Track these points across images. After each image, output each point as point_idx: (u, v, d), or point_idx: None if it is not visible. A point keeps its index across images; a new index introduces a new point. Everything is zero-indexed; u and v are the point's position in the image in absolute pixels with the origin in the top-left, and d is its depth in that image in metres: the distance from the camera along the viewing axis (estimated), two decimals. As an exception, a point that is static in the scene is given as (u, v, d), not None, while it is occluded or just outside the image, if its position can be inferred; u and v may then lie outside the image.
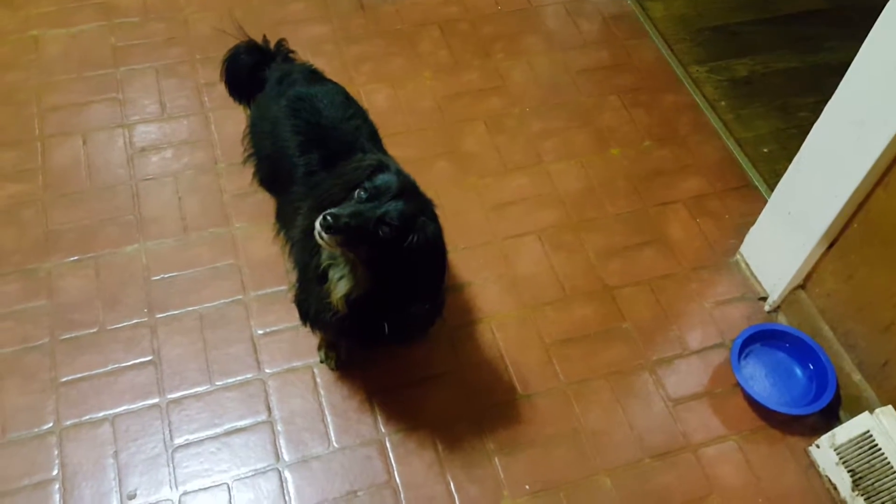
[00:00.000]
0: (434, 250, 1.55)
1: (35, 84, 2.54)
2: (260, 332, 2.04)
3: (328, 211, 1.41)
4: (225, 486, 1.79)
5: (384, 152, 1.91)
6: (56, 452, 1.82)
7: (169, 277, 2.13)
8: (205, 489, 1.79)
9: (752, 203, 2.34)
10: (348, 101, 1.91)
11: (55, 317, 2.03)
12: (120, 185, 2.31)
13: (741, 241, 2.22)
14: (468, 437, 1.88)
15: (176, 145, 2.41)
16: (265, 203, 2.18)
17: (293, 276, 1.77)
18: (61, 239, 2.18)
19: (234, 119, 2.41)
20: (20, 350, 1.97)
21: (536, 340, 2.05)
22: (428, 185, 2.33)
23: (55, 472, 1.79)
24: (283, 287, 2.09)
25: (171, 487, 1.78)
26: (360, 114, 1.90)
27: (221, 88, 2.55)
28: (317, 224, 1.41)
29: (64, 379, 1.93)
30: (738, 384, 1.94)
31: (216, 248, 2.19)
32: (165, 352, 1.99)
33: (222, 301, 2.09)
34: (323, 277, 1.59)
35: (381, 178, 1.50)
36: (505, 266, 2.20)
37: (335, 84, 1.99)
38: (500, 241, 2.25)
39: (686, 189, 2.40)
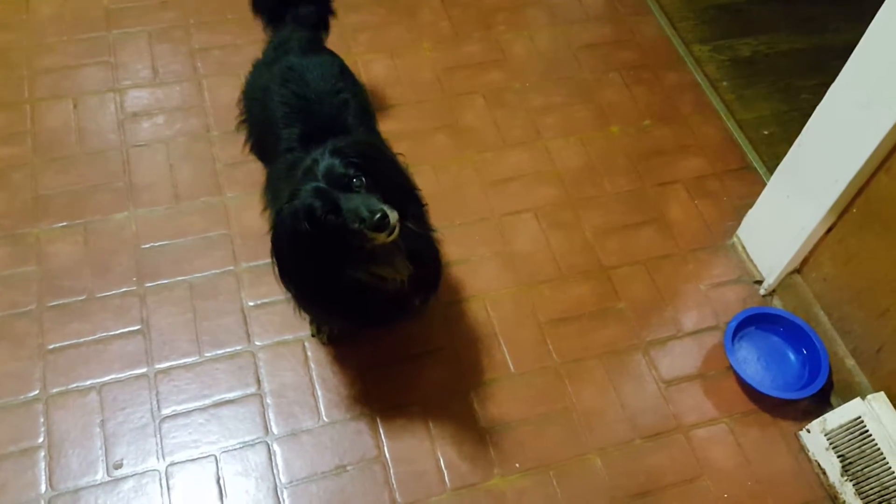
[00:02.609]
0: (382, 150, 1.63)
1: (26, 45, 2.48)
2: (251, 303, 2.01)
3: (367, 223, 1.37)
4: (213, 458, 1.78)
5: (373, 130, 1.87)
6: (42, 420, 1.80)
7: (159, 246, 2.10)
8: (192, 460, 1.78)
9: (751, 185, 2.32)
10: (341, 75, 1.86)
11: (44, 283, 2.00)
12: (111, 150, 2.27)
13: (739, 224, 2.20)
14: (460, 413, 1.87)
15: (168, 111, 2.37)
16: (258, 172, 2.14)
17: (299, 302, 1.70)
18: (51, 204, 2.15)
19: (228, 86, 2.37)
20: (8, 316, 1.94)
21: (531, 319, 2.03)
22: (426, 159, 2.33)
23: (41, 440, 1.77)
24: (276, 258, 2.07)
25: (158, 458, 1.77)
26: (350, 88, 1.84)
27: (216, 54, 2.52)
28: (380, 235, 1.39)
29: (51, 346, 1.91)
30: (731, 367, 1.93)
31: (208, 217, 2.16)
32: (155, 321, 1.97)
33: (213, 271, 2.06)
34: (375, 276, 1.55)
35: (321, 169, 1.44)
36: (501, 243, 2.17)
37: (332, 55, 1.94)
38: (498, 218, 2.22)
39: (686, 169, 2.37)
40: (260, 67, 1.94)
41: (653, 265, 2.15)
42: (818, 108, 1.82)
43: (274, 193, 1.74)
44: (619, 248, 2.18)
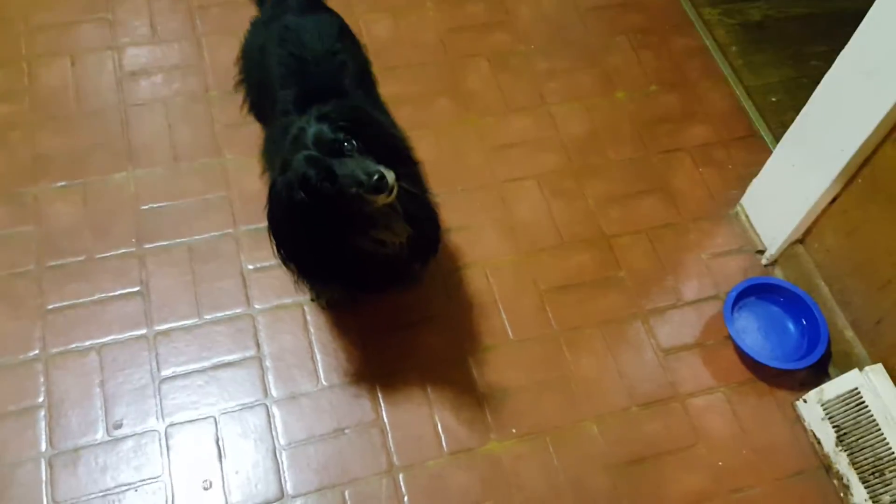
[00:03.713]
0: (370, 115, 1.57)
1: (22, 2, 2.43)
2: (250, 266, 2.01)
3: (366, 185, 1.35)
4: (212, 420, 1.79)
5: (371, 92, 1.83)
6: (42, 379, 1.81)
7: (158, 207, 2.08)
8: (191, 421, 1.79)
9: (757, 153, 2.29)
10: (340, 35, 1.81)
11: (42, 243, 2.00)
12: (109, 109, 2.24)
13: (743, 192, 2.17)
14: (458, 379, 1.87)
15: (167, 70, 2.33)
16: (257, 134, 2.11)
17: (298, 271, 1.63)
18: (49, 163, 2.13)
19: (228, 45, 2.32)
20: (7, 276, 1.94)
21: (531, 287, 2.03)
22: (427, 123, 2.30)
23: (41, 399, 1.78)
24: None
25: (157, 418, 1.78)
26: (349, 49, 1.80)
27: (215, 12, 2.47)
28: (379, 197, 1.37)
29: (51, 306, 1.91)
30: (729, 336, 1.93)
31: (207, 179, 2.14)
32: (154, 283, 1.96)
33: (213, 234, 2.05)
34: (377, 241, 1.54)
35: (310, 136, 1.41)
36: (503, 210, 2.16)
37: (332, 14, 1.89)
38: (499, 184, 2.20)
39: (691, 137, 2.34)
40: (258, 26, 1.90)
41: (655, 234, 2.14)
42: (826, 76, 1.78)
43: (271, 157, 1.73)
44: (622, 217, 2.16)
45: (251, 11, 2.00)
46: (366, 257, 1.57)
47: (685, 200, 2.21)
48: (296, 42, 1.74)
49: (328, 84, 1.69)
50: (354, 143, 1.41)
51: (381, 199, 1.39)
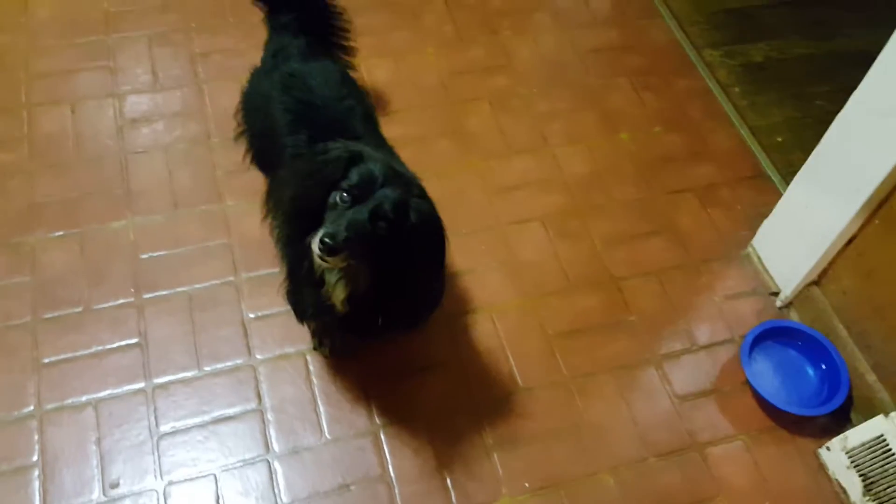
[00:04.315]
0: (433, 227, 1.47)
1: (23, 49, 2.43)
2: (251, 315, 1.95)
3: (323, 234, 1.33)
4: (212, 477, 1.72)
5: (378, 135, 1.81)
6: (36, 437, 1.74)
7: (157, 255, 2.04)
8: (191, 479, 1.72)
9: (764, 194, 2.27)
10: (344, 80, 1.81)
11: (38, 294, 1.95)
12: (108, 157, 2.22)
13: (753, 233, 2.14)
14: (466, 430, 1.81)
15: (168, 117, 2.31)
16: (258, 180, 2.09)
17: (283, 270, 1.67)
18: (46, 211, 2.09)
19: (229, 91, 2.30)
20: (1, 328, 1.88)
21: (538, 331, 1.98)
22: (429, 166, 2.26)
23: (35, 458, 1.71)
24: (276, 269, 2.00)
25: (155, 477, 1.71)
26: (355, 94, 1.80)
27: (217, 59, 2.47)
28: (315, 248, 1.35)
29: (46, 360, 1.85)
30: (746, 382, 1.87)
31: (207, 225, 2.10)
32: (152, 334, 1.91)
33: (213, 282, 2.00)
34: (319, 280, 1.51)
35: (360, 172, 1.40)
36: (507, 252, 2.12)
37: (333, 62, 1.89)
38: (503, 227, 2.17)
39: (697, 177, 2.32)
40: (259, 76, 1.88)
41: (664, 276, 2.10)
42: (839, 116, 1.76)
43: (277, 201, 1.69)
44: (629, 259, 2.12)
45: (253, 58, 1.99)
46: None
47: (693, 241, 2.17)
48: (302, 88, 1.72)
49: (340, 127, 1.67)
50: (387, 231, 1.38)
51: (317, 260, 1.39)
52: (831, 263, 1.88)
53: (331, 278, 1.49)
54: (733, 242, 2.17)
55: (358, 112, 1.73)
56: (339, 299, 1.50)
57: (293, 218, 1.52)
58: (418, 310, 1.65)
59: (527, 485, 1.74)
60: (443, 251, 1.52)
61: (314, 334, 1.87)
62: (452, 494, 1.72)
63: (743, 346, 1.89)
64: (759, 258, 2.12)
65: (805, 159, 1.90)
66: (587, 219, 2.19)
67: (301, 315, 1.72)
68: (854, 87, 1.70)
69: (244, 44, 2.47)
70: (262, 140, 1.86)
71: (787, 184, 2.16)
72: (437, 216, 1.49)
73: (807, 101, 2.56)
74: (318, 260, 1.38)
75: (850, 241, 1.81)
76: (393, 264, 1.43)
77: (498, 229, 2.16)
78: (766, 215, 2.09)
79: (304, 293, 1.59)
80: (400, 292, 1.51)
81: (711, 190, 2.29)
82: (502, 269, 2.09)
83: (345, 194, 1.39)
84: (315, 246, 1.35)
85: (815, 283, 1.95)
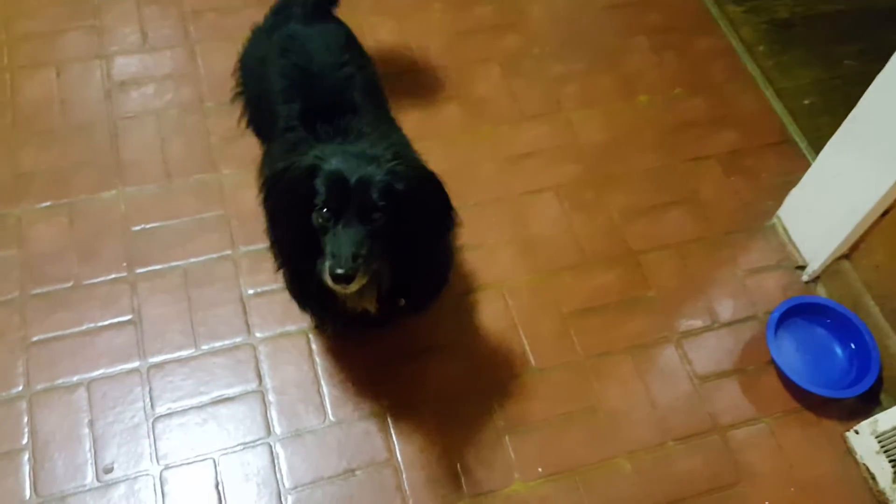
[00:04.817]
0: (423, 181, 1.35)
1: (4, 9, 2.29)
2: (250, 291, 1.86)
3: (331, 267, 1.25)
4: (211, 461, 1.64)
5: (380, 106, 1.67)
6: (26, 419, 1.66)
7: (150, 228, 1.94)
8: (189, 463, 1.64)
9: (791, 160, 2.15)
10: (347, 46, 1.67)
11: (26, 269, 1.85)
12: (97, 123, 2.10)
13: (779, 203, 2.03)
14: (476, 414, 1.72)
15: (158, 80, 2.19)
16: (256, 147, 1.97)
17: (277, 259, 1.53)
18: (32, 182, 1.99)
19: (224, 52, 2.17)
20: (-13, 305, 1.80)
21: (552, 309, 1.88)
22: (436, 132, 2.15)
23: (25, 441, 1.64)
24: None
25: (151, 461, 1.64)
26: (357, 62, 1.66)
27: (210, 17, 2.34)
28: (330, 283, 1.27)
29: (35, 338, 1.76)
30: (771, 361, 1.78)
31: (202, 196, 2.00)
32: (146, 311, 1.82)
33: (209, 256, 1.90)
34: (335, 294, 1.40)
35: (324, 180, 1.29)
36: (519, 226, 2.01)
37: (338, 24, 1.75)
38: (515, 198, 2.05)
39: (720, 143, 2.19)
40: (258, 35, 1.76)
41: (685, 249, 1.99)
42: (878, 77, 1.63)
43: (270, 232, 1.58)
44: (648, 231, 2.01)
45: (249, 17, 1.86)
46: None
47: (716, 212, 2.06)
48: (300, 52, 1.60)
49: (336, 98, 1.55)
50: (385, 216, 1.28)
51: (338, 289, 1.30)
52: (864, 236, 1.77)
53: (356, 292, 1.37)
54: (757, 213, 2.06)
55: (358, 81, 1.60)
56: (371, 305, 1.43)
57: (286, 251, 1.45)
58: (430, 286, 1.55)
59: (540, 470, 1.66)
60: (444, 198, 1.40)
61: (316, 317, 1.78)
62: (462, 480, 1.64)
63: (768, 324, 1.79)
64: (784, 230, 2.01)
65: (833, 123, 1.79)
66: (604, 189, 2.08)
67: (306, 305, 1.61)
68: (885, 46, 1.58)
69: (239, 1, 2.33)
70: (257, 105, 1.75)
71: (815, 150, 2.04)
72: (422, 168, 1.39)
73: (835, 62, 2.41)
74: (339, 290, 1.30)
75: (885, 213, 1.70)
76: (408, 239, 1.33)
77: (509, 200, 2.05)
78: (792, 184, 1.98)
79: (310, 289, 1.45)
80: (418, 265, 1.42)
81: (735, 157, 2.16)
82: (514, 243, 1.98)
83: (325, 211, 1.29)
84: (330, 282, 1.27)
85: (846, 256, 1.85)
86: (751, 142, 2.20)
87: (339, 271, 1.24)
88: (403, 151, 1.38)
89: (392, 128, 1.63)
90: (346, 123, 1.50)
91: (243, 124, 1.87)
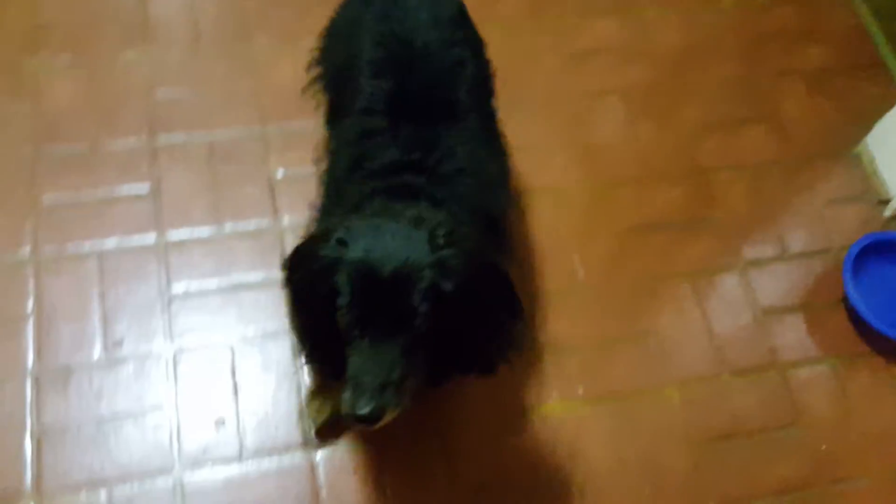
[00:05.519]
0: (479, 278, 1.03)
1: None
2: (280, 173, 1.70)
3: (353, 406, 0.97)
4: (228, 348, 1.53)
5: (486, 114, 1.35)
6: (32, 285, 1.54)
7: (175, 95, 1.78)
8: (205, 347, 1.53)
9: (882, 86, 1.96)
10: (460, 21, 1.37)
11: (39, 125, 1.72)
12: (123, -26, 1.91)
13: (867, 131, 1.84)
14: (517, 324, 1.59)
15: (193, -68, 1.97)
16: (295, 15, 1.79)
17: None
18: (52, 34, 1.83)
19: None
20: (-6, 157, 1.65)
21: (607, 223, 1.72)
22: (495, 16, 1.93)
23: (29, 308, 1.52)
24: (311, 121, 1.73)
25: (165, 340, 1.52)
26: (471, 44, 1.37)
27: None
28: (352, 419, 0.98)
29: (46, 199, 1.62)
30: (842, 299, 1.63)
31: (234, 66, 1.83)
32: (167, 183, 1.67)
33: (237, 131, 1.75)
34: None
35: (352, 272, 0.97)
36: (578, 129, 1.83)
37: None
38: (576, 98, 1.87)
39: (807, 59, 1.98)
40: None
41: (759, 171, 1.81)
42: None
43: (334, 164, 1.35)
44: (721, 148, 1.83)
45: None
46: None
47: (797, 134, 1.87)
48: (402, 20, 1.30)
49: (436, 89, 1.25)
50: (427, 321, 0.97)
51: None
52: (964, 173, 1.59)
53: None
54: (842, 139, 1.87)
55: (469, 71, 1.30)
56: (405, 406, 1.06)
57: (310, 340, 1.17)
58: (492, 356, 1.18)
59: (581, 391, 1.54)
60: (508, 295, 1.11)
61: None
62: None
63: (845, 259, 1.63)
64: (870, 160, 1.82)
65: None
66: (676, 97, 1.88)
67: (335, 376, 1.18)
68: None
69: None
70: (337, 76, 1.47)
71: (913, 76, 1.83)
72: (481, 254, 1.06)
73: (941, -18, 2.16)
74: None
75: None
76: (456, 336, 1.04)
77: (569, 100, 1.86)
78: (882, 112, 1.80)
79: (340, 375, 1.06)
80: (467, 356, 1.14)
81: (823, 75, 1.96)
82: (570, 147, 1.81)
83: (347, 316, 0.99)
84: (350, 418, 0.99)
85: (939, 193, 1.67)
86: (840, 61, 1.99)
87: (362, 412, 0.96)
88: (460, 230, 1.04)
89: (492, 153, 1.33)
90: (437, 134, 1.21)
91: (310, 88, 1.62)
